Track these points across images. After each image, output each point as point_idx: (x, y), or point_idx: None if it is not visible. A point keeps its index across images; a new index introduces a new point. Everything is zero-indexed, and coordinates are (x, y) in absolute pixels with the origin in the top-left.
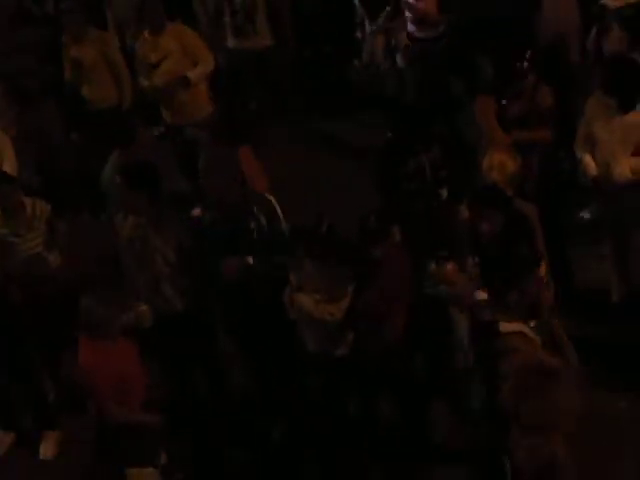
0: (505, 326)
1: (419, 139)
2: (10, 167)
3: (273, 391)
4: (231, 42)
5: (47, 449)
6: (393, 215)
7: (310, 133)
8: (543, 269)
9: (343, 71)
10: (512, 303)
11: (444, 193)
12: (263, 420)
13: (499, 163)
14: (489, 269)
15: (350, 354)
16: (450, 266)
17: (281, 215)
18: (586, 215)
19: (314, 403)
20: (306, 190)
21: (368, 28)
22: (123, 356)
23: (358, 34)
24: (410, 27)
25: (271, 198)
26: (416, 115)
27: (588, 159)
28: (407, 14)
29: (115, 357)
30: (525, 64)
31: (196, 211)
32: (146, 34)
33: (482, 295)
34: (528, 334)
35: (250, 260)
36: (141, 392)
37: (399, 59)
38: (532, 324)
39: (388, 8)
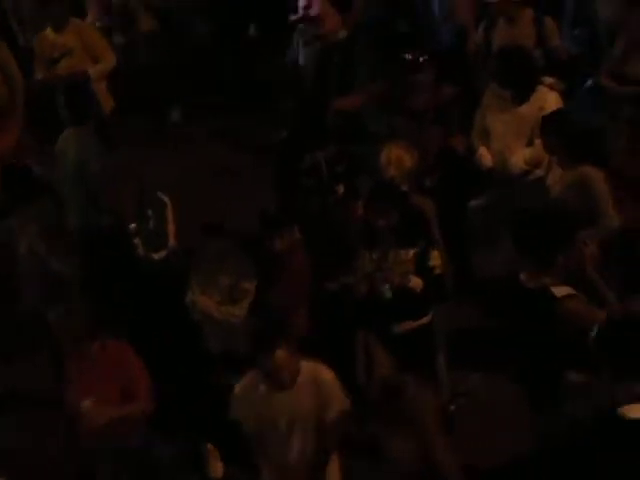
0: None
1: (315, 135)
2: None
3: (180, 393)
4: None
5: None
6: (291, 212)
7: (213, 130)
8: (437, 258)
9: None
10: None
11: (341, 189)
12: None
13: (396, 158)
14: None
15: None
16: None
17: (170, 217)
18: (481, 204)
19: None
20: (208, 186)
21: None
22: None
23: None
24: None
25: (165, 199)
26: (312, 111)
27: (484, 150)
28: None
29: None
30: (422, 58)
31: None
32: (48, 31)
33: (417, 281)
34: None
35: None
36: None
37: (301, 57)
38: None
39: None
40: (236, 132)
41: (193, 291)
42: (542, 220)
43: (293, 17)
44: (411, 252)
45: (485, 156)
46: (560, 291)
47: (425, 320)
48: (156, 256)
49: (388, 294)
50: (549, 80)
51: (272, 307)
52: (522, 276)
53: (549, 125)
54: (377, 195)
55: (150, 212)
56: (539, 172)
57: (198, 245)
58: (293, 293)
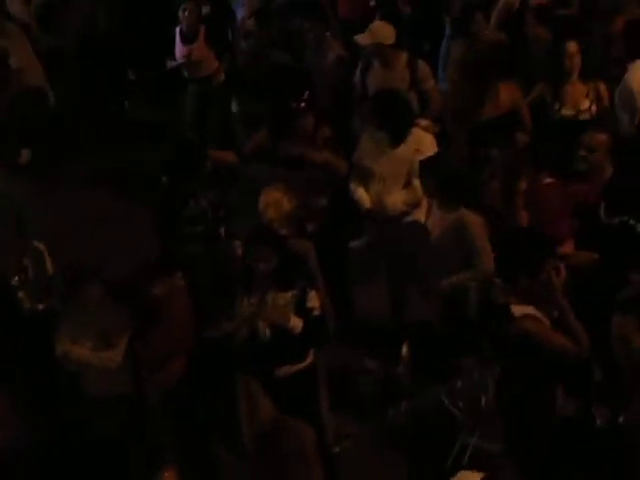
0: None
1: (196, 180)
2: None
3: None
4: None
5: None
6: (174, 258)
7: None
8: (315, 299)
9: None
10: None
11: (223, 232)
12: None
13: (274, 201)
14: None
15: (134, 395)
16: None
17: (49, 264)
18: (361, 245)
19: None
20: (85, 232)
21: None
22: None
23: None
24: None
25: (42, 247)
26: (192, 156)
27: (362, 192)
28: None
29: None
30: (302, 104)
31: None
32: None
33: (297, 322)
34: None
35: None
36: None
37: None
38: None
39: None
40: (114, 175)
41: (62, 342)
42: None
43: (172, 63)
44: (289, 294)
45: (363, 198)
46: (520, 310)
47: (307, 362)
48: (41, 306)
49: (267, 337)
50: (424, 122)
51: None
52: (492, 293)
53: (426, 168)
54: (256, 239)
55: (27, 262)
56: (418, 214)
57: (69, 293)
58: (172, 339)
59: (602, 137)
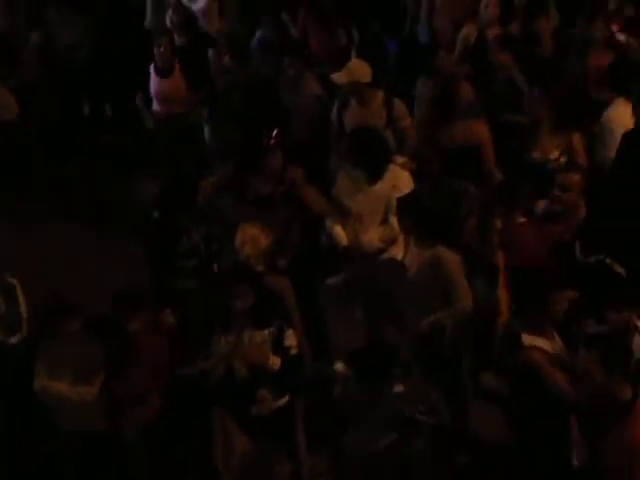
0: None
1: (189, 215)
2: None
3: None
4: None
5: None
6: (165, 293)
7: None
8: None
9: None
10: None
11: (215, 268)
12: None
13: (252, 238)
14: None
15: (109, 431)
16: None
17: (22, 300)
18: (337, 282)
19: None
20: (69, 264)
21: None
22: None
23: None
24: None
25: (14, 282)
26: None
27: (338, 229)
28: None
29: None
30: (270, 141)
31: None
32: None
33: (275, 361)
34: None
35: None
36: None
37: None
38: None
39: None
40: (98, 208)
41: (40, 377)
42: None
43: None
44: (266, 332)
45: (340, 235)
46: (530, 340)
47: (284, 400)
48: (13, 340)
49: (244, 375)
50: (401, 160)
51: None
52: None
53: (404, 206)
54: (233, 277)
55: None
56: (396, 251)
57: (45, 328)
58: (148, 376)
59: (576, 177)
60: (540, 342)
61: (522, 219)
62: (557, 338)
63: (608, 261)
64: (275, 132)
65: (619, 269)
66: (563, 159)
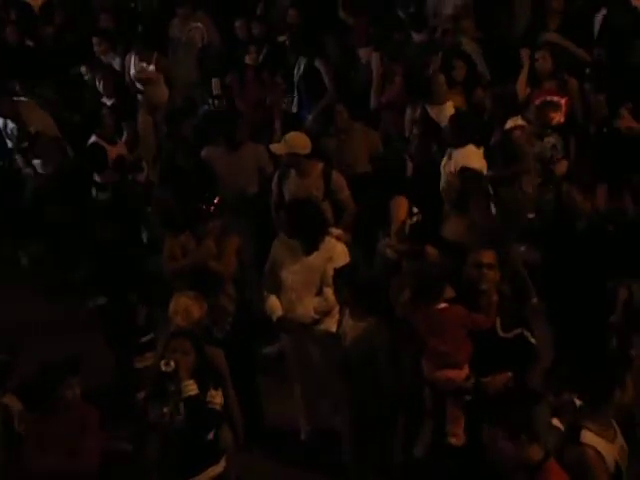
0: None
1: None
2: None
3: None
4: None
5: None
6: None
7: None
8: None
9: None
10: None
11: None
12: None
13: (184, 308)
14: None
15: None
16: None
17: None
18: (273, 352)
19: None
20: None
21: None
22: None
23: None
24: None
25: None
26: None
27: (273, 300)
28: None
29: None
30: (211, 208)
31: None
32: None
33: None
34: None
35: None
36: None
37: None
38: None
39: None
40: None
41: None
42: None
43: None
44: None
45: (275, 305)
46: (590, 439)
47: (218, 469)
48: None
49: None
50: (337, 231)
51: None
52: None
53: (339, 278)
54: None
55: None
56: (330, 322)
57: None
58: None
59: (491, 253)
60: (600, 443)
61: (442, 305)
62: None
63: (525, 333)
64: (217, 199)
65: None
66: None
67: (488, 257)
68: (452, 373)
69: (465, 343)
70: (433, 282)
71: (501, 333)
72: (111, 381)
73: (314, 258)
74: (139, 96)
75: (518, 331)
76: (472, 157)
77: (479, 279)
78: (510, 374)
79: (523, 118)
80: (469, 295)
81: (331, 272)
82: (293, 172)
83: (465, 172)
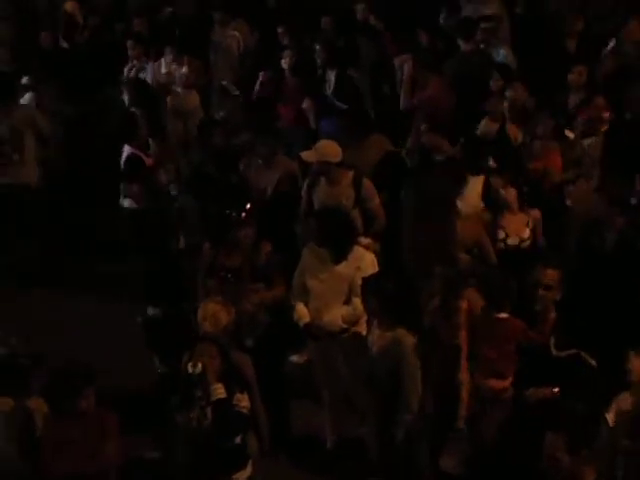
0: None
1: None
2: None
3: None
4: None
5: None
6: None
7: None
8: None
9: None
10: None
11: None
12: None
13: (212, 314)
14: None
15: None
16: None
17: None
18: (300, 360)
19: None
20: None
21: None
22: None
23: None
24: None
25: None
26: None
27: (301, 307)
28: None
29: None
30: (242, 215)
31: None
32: None
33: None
34: None
35: None
36: None
37: None
38: None
39: None
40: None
41: None
42: None
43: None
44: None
45: (302, 313)
46: None
47: (246, 474)
48: None
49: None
50: (365, 241)
51: None
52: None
53: (368, 288)
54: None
55: None
56: (359, 330)
57: None
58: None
59: (554, 273)
60: None
61: (503, 315)
62: None
63: (583, 355)
64: (248, 206)
65: (592, 361)
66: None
67: (549, 277)
68: (495, 383)
69: (513, 356)
70: (505, 290)
71: (554, 352)
72: (138, 386)
73: (343, 267)
74: (167, 101)
75: (573, 351)
76: None
77: (534, 299)
78: (557, 389)
79: (570, 130)
80: (525, 310)
81: (359, 281)
82: (323, 180)
83: None
